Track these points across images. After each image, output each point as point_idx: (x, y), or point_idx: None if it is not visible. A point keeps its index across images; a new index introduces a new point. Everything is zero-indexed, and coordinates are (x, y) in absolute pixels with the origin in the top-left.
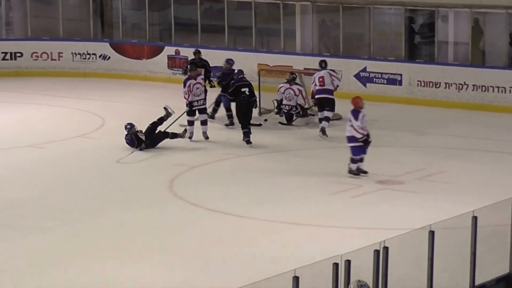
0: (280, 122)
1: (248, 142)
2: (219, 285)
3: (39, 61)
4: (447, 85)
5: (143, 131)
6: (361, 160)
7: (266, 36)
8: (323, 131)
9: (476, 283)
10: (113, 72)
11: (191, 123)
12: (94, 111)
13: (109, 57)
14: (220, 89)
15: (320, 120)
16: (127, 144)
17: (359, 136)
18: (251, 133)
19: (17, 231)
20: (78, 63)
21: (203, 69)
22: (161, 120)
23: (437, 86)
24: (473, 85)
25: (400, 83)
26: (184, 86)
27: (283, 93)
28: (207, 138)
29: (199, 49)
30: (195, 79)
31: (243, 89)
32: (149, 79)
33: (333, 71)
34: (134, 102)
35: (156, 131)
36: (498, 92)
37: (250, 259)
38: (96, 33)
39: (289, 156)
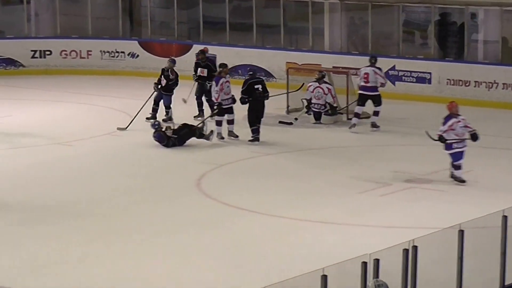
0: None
1: (257, 139)
2: (248, 283)
3: (68, 59)
4: (477, 83)
5: (171, 127)
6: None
7: (295, 34)
8: (374, 125)
9: (506, 283)
10: (142, 70)
11: (219, 123)
12: (123, 109)
13: (138, 55)
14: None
15: (355, 114)
16: (155, 141)
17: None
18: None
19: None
20: (107, 61)
21: (206, 69)
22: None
23: (467, 84)
24: (503, 84)
25: (429, 81)
26: (216, 85)
27: (312, 91)
28: (236, 136)
29: (202, 49)
30: (225, 77)
31: (256, 86)
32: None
33: (379, 69)
34: None
35: (184, 129)
36: None
37: (279, 258)
38: (124, 31)
39: (316, 155)
